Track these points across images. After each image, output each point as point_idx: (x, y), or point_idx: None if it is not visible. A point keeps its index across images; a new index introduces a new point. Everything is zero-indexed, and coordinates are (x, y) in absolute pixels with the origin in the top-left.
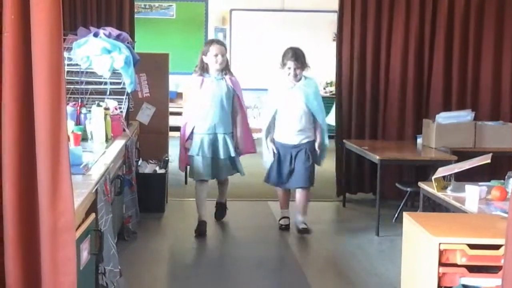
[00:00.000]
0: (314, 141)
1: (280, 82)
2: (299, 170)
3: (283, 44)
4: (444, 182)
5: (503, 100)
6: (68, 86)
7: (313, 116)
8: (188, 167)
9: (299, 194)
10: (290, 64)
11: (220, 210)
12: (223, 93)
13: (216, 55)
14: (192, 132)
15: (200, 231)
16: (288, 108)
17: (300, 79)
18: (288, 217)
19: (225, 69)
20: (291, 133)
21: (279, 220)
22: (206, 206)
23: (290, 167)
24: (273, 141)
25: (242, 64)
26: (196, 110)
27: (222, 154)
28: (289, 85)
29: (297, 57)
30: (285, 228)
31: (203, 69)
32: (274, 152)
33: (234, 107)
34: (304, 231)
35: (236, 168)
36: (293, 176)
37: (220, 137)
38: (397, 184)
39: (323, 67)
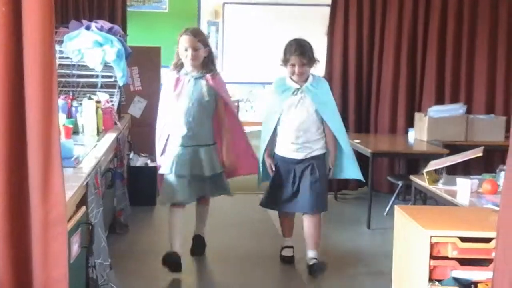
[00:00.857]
0: (324, 154)
1: (282, 82)
2: (305, 192)
3: (275, 37)
4: (435, 176)
5: (497, 93)
6: (60, 79)
7: (324, 124)
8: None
9: (306, 221)
10: (294, 60)
11: (198, 245)
12: (202, 96)
13: (186, 49)
14: (165, 145)
15: (170, 263)
16: (292, 115)
17: (307, 78)
18: (291, 247)
19: (205, 66)
20: (296, 145)
21: (281, 250)
22: (181, 236)
23: (293, 188)
24: (273, 155)
25: (235, 58)
26: (170, 116)
27: (206, 171)
28: (294, 86)
29: (302, 50)
30: (289, 260)
31: (177, 65)
32: (272, 170)
33: (218, 113)
34: (316, 269)
35: (223, 187)
36: (298, 199)
37: (202, 150)
38: (388, 177)
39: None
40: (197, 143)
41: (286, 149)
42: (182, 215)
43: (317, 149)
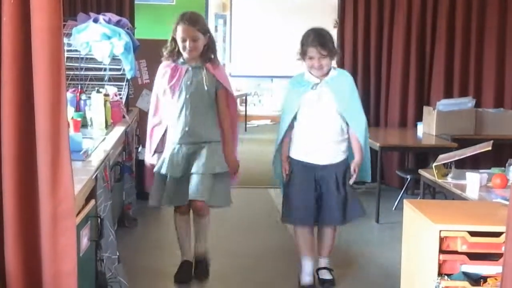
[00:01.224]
0: (347, 159)
1: (299, 78)
2: (328, 204)
3: (284, 30)
4: (444, 170)
5: (506, 87)
6: (68, 72)
7: (347, 123)
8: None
9: (326, 230)
10: (312, 52)
11: (200, 269)
12: (201, 86)
13: (183, 40)
14: (161, 141)
15: (182, 276)
16: (312, 114)
17: (328, 72)
18: (312, 272)
19: (204, 54)
20: (316, 149)
21: (300, 276)
22: (191, 239)
23: (315, 197)
24: (288, 160)
25: (243, 51)
26: (166, 109)
27: (200, 169)
28: (313, 81)
29: (322, 41)
30: None
31: (174, 53)
32: (286, 174)
33: (218, 105)
34: (327, 283)
35: (222, 193)
36: (322, 211)
37: (202, 148)
38: (397, 172)
39: None
40: (195, 140)
41: (304, 152)
42: (188, 219)
43: (340, 152)
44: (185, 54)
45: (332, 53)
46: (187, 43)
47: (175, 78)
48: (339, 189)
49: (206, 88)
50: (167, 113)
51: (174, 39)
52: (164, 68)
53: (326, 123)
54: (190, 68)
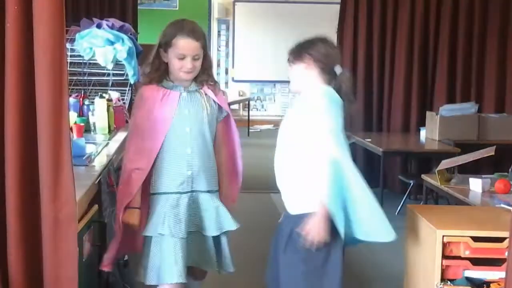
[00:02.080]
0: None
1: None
2: (282, 278)
3: (287, 35)
4: (447, 175)
5: (508, 92)
6: (71, 78)
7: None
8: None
9: None
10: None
11: None
12: (202, 116)
13: (182, 57)
14: (146, 191)
15: None
16: (277, 144)
17: (302, 88)
18: None
19: (200, 75)
20: (281, 192)
21: None
22: None
23: (273, 261)
24: None
25: (246, 56)
26: (152, 147)
27: (210, 229)
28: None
29: (292, 47)
30: None
31: (158, 74)
32: None
33: (218, 138)
34: None
35: (220, 253)
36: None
37: (205, 199)
38: (400, 176)
39: None
40: (198, 188)
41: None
42: None
43: (304, 202)
44: (180, 75)
45: (298, 59)
46: (186, 62)
47: (168, 106)
48: (294, 260)
49: (211, 117)
50: (160, 153)
51: (158, 55)
52: (147, 94)
53: (283, 158)
54: (185, 93)
